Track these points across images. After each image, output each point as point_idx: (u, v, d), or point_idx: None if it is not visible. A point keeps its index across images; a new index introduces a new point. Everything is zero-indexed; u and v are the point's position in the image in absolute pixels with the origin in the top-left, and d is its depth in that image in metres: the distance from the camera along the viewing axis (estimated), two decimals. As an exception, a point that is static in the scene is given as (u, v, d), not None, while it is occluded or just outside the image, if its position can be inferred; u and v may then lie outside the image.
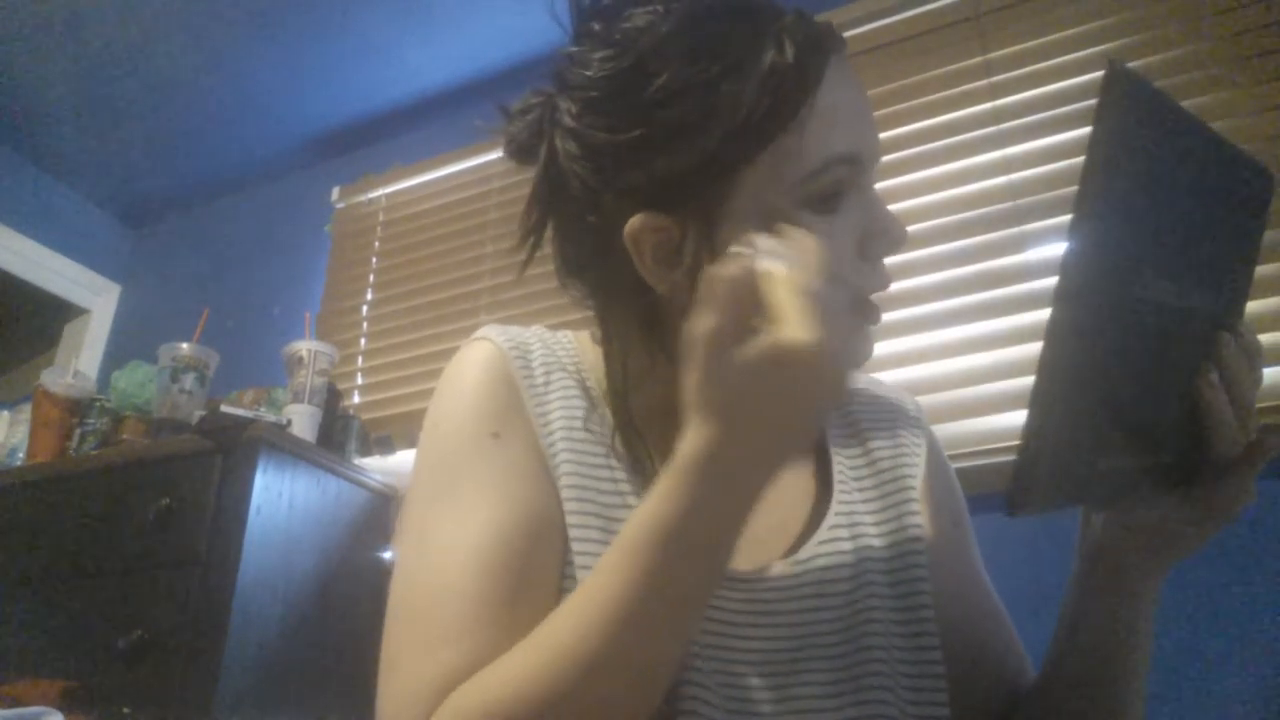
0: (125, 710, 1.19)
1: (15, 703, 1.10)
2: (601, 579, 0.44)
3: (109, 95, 2.29)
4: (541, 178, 0.59)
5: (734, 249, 0.44)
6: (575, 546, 0.53)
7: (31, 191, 2.54)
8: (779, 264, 0.41)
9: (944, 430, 1.40)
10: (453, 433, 0.57)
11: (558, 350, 0.63)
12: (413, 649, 0.48)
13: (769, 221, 0.50)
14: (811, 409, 0.42)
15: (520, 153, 0.60)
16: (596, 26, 0.56)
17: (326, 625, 1.41)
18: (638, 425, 0.59)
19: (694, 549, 0.43)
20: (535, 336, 0.63)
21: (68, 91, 2.29)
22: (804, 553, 0.59)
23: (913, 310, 1.50)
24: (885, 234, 0.54)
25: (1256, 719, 1.06)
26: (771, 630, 0.56)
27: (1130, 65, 0.38)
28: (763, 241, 0.43)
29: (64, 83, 2.26)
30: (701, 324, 0.42)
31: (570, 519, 0.54)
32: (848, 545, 0.60)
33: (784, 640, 0.56)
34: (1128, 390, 0.41)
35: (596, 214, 0.55)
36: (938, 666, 0.57)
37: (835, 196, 0.53)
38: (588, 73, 0.55)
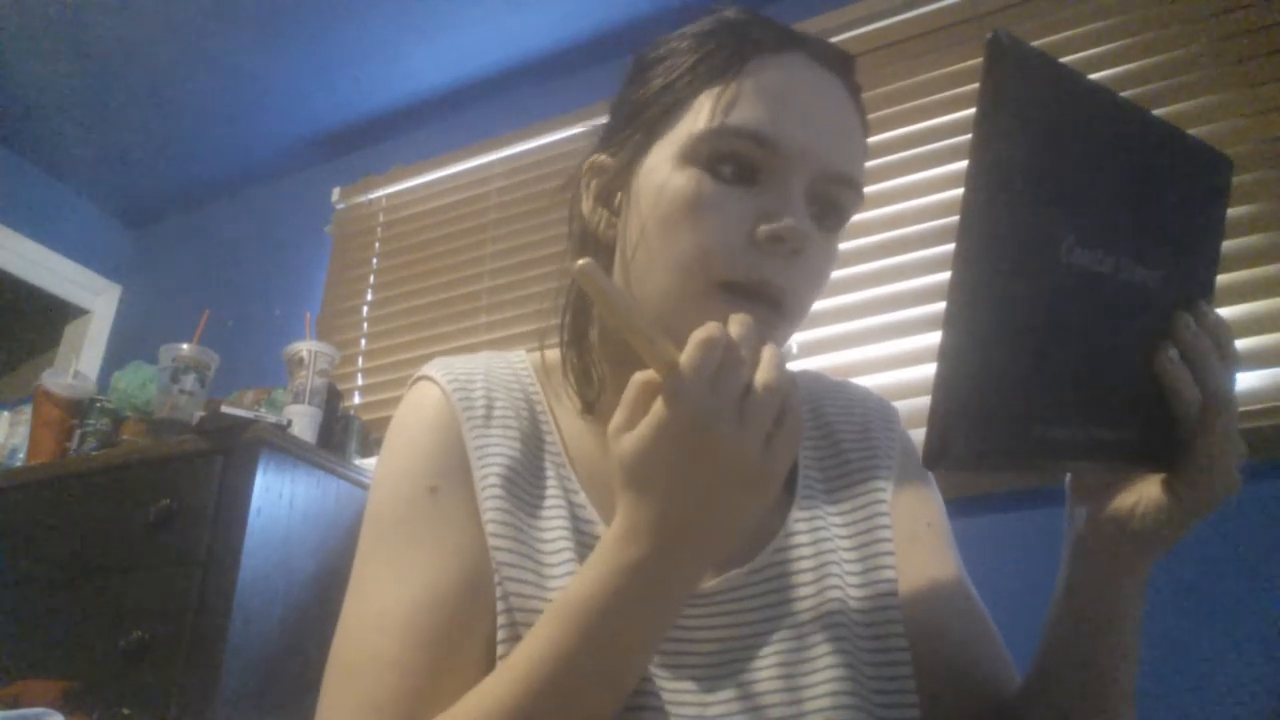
0: (125, 710, 1.19)
1: (15, 703, 1.10)
2: (538, 641, 0.46)
3: (109, 95, 2.29)
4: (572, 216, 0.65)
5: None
6: (509, 587, 0.54)
7: (31, 191, 2.54)
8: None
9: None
10: (393, 487, 0.58)
11: (503, 372, 0.65)
12: (343, 712, 0.51)
13: (676, 169, 0.54)
14: (717, 463, 0.43)
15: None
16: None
17: (326, 625, 1.40)
18: (592, 363, 0.64)
19: (630, 611, 0.45)
20: (480, 365, 0.65)
21: (68, 91, 2.29)
22: (760, 560, 0.59)
23: (914, 311, 1.51)
24: (774, 229, 0.52)
25: (1255, 717, 1.06)
26: (729, 630, 0.57)
27: (1012, 34, 0.37)
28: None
29: (64, 83, 2.26)
30: (612, 422, 0.46)
31: (497, 555, 0.55)
32: (808, 550, 0.60)
33: (741, 643, 0.56)
34: (1072, 359, 0.40)
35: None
36: (906, 669, 0.57)
37: (745, 170, 0.54)
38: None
